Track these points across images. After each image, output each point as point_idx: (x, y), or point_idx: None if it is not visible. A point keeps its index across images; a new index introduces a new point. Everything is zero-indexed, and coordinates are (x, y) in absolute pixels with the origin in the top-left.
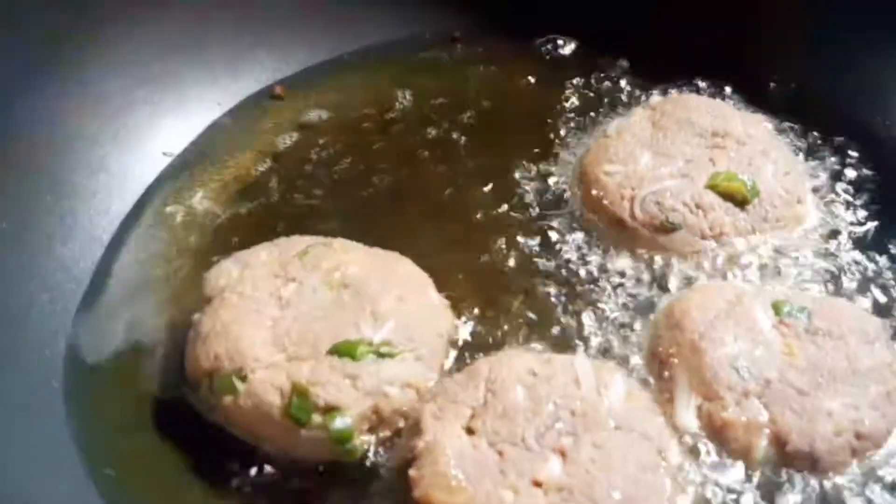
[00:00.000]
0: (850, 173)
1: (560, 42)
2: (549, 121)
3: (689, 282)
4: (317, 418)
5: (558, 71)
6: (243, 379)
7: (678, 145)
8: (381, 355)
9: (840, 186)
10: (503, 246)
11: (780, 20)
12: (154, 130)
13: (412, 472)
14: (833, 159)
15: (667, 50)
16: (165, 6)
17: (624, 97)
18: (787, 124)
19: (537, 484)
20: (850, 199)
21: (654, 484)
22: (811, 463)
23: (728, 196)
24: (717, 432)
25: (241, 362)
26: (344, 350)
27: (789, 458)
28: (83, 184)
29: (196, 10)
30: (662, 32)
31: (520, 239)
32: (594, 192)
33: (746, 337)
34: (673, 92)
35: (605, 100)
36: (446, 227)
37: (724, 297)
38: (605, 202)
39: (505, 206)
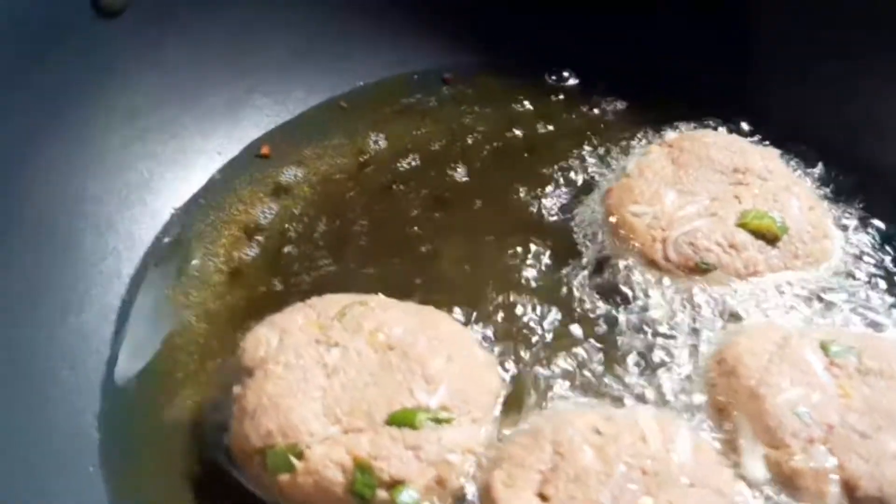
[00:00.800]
0: (862, 203)
1: (555, 80)
2: (552, 160)
3: (731, 319)
4: (382, 493)
5: (555, 109)
6: (299, 455)
7: (701, 183)
8: (439, 421)
9: (856, 215)
10: (529, 292)
11: (773, 57)
12: (157, 184)
13: None
14: (846, 191)
15: (663, 87)
16: (158, 58)
17: (625, 135)
18: (793, 158)
19: None
20: (869, 228)
21: None
22: None
23: (759, 234)
24: (787, 481)
25: (295, 437)
26: (403, 420)
27: (860, 503)
28: (92, 247)
29: (190, 60)
30: (658, 70)
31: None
32: (622, 232)
33: (802, 381)
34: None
35: (607, 137)
36: (475, 272)
37: (772, 340)
38: (636, 243)
39: (519, 249)
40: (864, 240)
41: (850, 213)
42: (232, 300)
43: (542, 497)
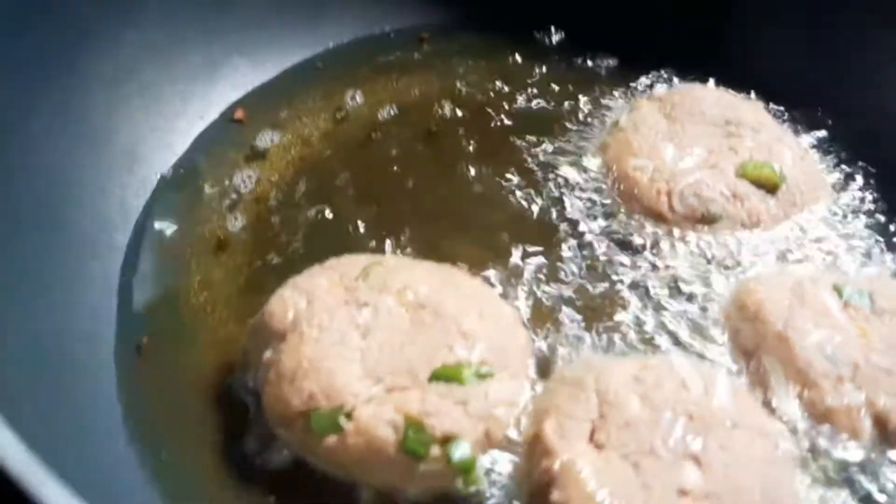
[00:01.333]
0: (846, 150)
1: (541, 35)
2: (543, 117)
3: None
4: (435, 450)
5: (541, 64)
6: (348, 416)
7: (696, 136)
8: (482, 376)
9: (842, 161)
10: (538, 237)
11: (757, 12)
12: (141, 151)
13: (556, 496)
14: (827, 138)
15: (650, 42)
16: (136, 21)
17: (613, 90)
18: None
19: (683, 493)
20: (854, 174)
21: (783, 477)
22: None
23: (759, 183)
24: (821, 419)
25: (340, 399)
26: (448, 375)
27: (891, 434)
28: (86, 219)
29: (167, 23)
30: (646, 25)
31: (559, 230)
32: (623, 186)
33: (824, 323)
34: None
35: (597, 91)
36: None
37: (786, 286)
38: (640, 197)
39: (537, 204)
40: (853, 184)
41: (836, 160)
42: (232, 265)
43: (596, 445)
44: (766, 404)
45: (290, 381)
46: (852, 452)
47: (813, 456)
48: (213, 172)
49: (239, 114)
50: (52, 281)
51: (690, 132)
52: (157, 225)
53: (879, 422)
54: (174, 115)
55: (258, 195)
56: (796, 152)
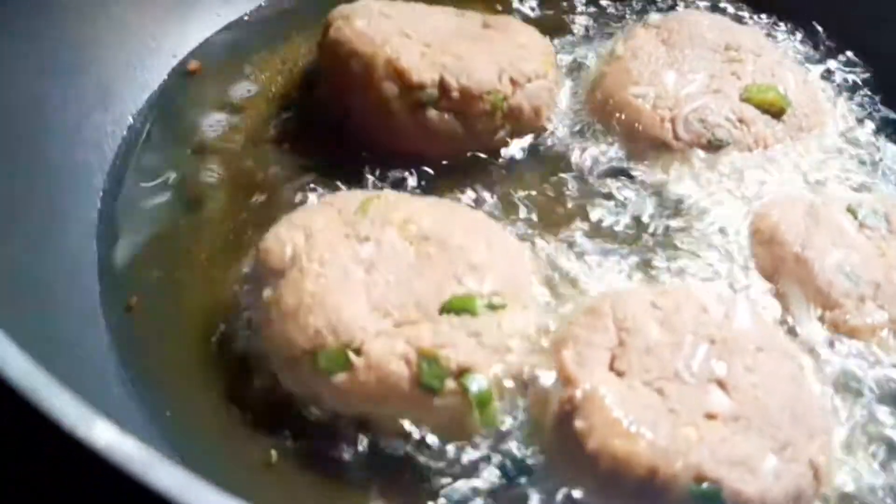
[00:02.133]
0: (845, 68)
1: None
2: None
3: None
4: (451, 384)
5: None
6: (357, 352)
7: (696, 61)
8: (494, 308)
9: (841, 82)
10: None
11: None
12: (115, 87)
13: (579, 425)
14: (826, 59)
15: None
16: None
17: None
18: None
19: (711, 416)
20: (855, 91)
21: (811, 396)
22: None
23: (764, 108)
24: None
25: (348, 335)
26: (460, 306)
27: None
28: (62, 159)
29: None
30: None
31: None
32: (624, 115)
33: (841, 244)
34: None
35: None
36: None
37: (800, 208)
38: (641, 126)
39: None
40: (854, 105)
41: (834, 80)
42: (215, 208)
43: (617, 373)
44: (791, 328)
45: (294, 319)
46: (876, 370)
47: (837, 375)
48: (187, 113)
49: (193, 65)
50: (30, 225)
51: (690, 58)
52: (133, 171)
53: None
54: (147, 52)
55: (233, 135)
56: (798, 76)
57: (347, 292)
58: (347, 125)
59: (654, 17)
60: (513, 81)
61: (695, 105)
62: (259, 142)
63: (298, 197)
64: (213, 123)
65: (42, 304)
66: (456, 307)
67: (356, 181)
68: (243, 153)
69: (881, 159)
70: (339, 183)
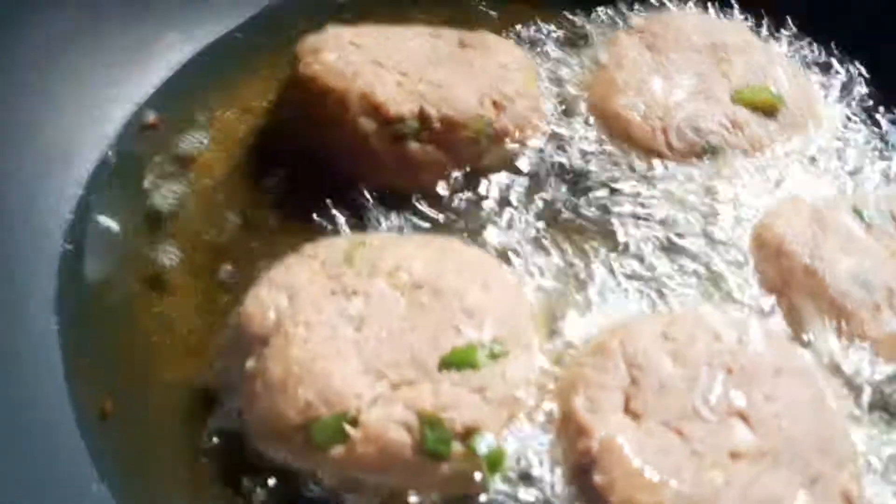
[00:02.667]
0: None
1: None
2: None
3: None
4: (458, 446)
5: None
6: (353, 422)
7: (684, 65)
8: (495, 356)
9: (833, 76)
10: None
11: None
12: (75, 141)
13: (599, 479)
14: (814, 51)
15: None
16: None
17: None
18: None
19: (736, 456)
20: (850, 86)
21: (835, 418)
22: None
23: (757, 108)
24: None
25: (342, 404)
26: (460, 360)
27: None
28: (20, 228)
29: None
30: None
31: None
32: (614, 127)
33: (850, 249)
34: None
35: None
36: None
37: (804, 214)
38: (635, 137)
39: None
40: (850, 97)
41: (823, 75)
42: (178, 277)
43: (633, 415)
44: (803, 343)
45: (282, 391)
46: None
47: (859, 391)
48: (149, 160)
49: (152, 119)
50: None
51: (677, 62)
52: (98, 228)
53: None
54: (106, 102)
55: (200, 179)
56: (789, 70)
57: (337, 355)
58: (320, 163)
59: (636, 19)
60: (496, 104)
61: (686, 113)
62: (224, 192)
63: (273, 249)
64: (172, 180)
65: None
66: (456, 362)
67: (333, 225)
68: (206, 209)
69: (878, 153)
70: (314, 228)
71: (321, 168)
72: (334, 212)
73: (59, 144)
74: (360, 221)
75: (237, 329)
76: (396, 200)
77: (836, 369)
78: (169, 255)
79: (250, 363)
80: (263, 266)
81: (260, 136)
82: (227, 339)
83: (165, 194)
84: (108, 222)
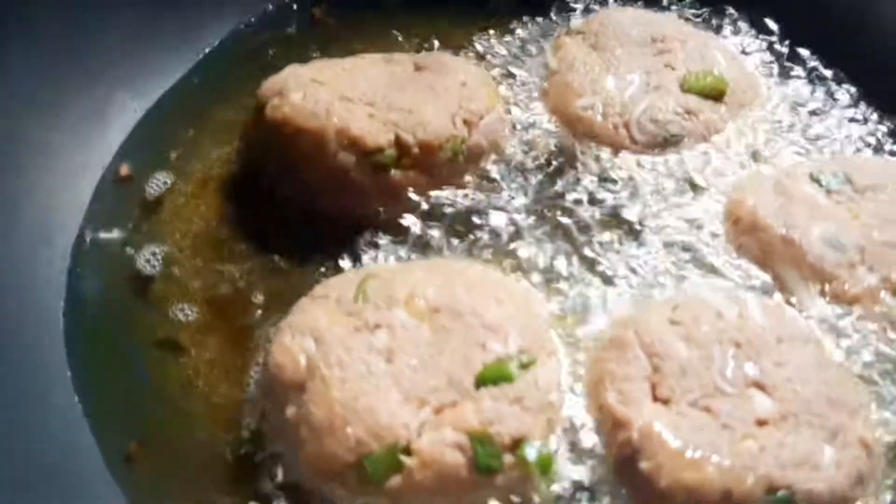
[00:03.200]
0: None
1: None
2: None
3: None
4: (508, 458)
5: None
6: (407, 452)
7: (629, 61)
8: (525, 366)
9: (762, 53)
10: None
11: None
12: (53, 219)
13: (645, 466)
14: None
15: None
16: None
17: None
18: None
19: (762, 423)
20: (782, 61)
21: (838, 374)
22: None
23: (706, 94)
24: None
25: (391, 436)
26: (496, 375)
27: None
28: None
29: (37, 75)
30: None
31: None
32: (578, 127)
33: (817, 215)
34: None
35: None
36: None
37: (767, 187)
38: (599, 135)
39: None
40: (786, 72)
41: (757, 50)
42: (187, 335)
43: (662, 402)
44: (799, 309)
45: (330, 433)
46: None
47: (853, 346)
48: (126, 221)
49: (124, 170)
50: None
51: (623, 58)
52: (92, 311)
53: None
54: (79, 169)
55: (180, 235)
56: (726, 54)
57: (377, 390)
58: (300, 203)
59: (575, 22)
60: (466, 123)
61: (643, 106)
62: (209, 245)
63: (278, 297)
64: (151, 240)
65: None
66: (492, 377)
67: (328, 263)
68: (192, 266)
69: (821, 121)
70: (312, 269)
71: (301, 208)
72: (328, 249)
73: (39, 220)
74: (353, 255)
75: (268, 380)
76: (382, 228)
77: (828, 328)
78: (172, 317)
79: (291, 410)
80: (274, 313)
81: (232, 183)
82: (258, 390)
83: (148, 257)
84: (100, 292)
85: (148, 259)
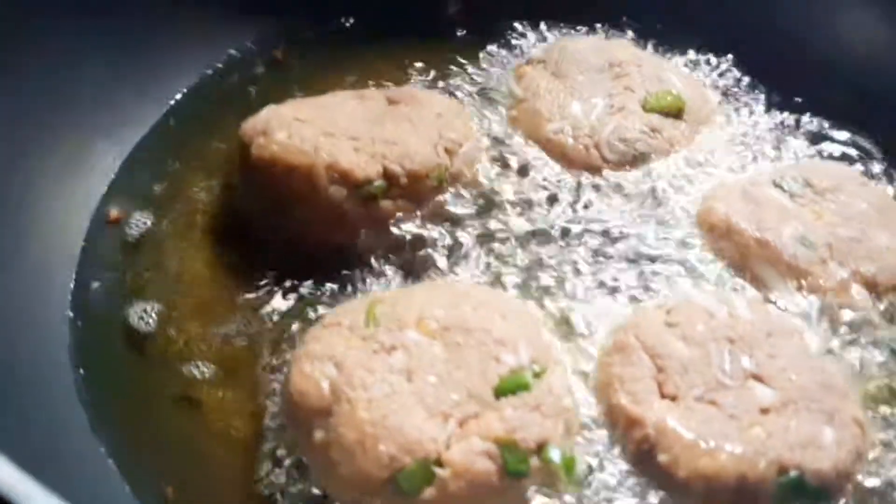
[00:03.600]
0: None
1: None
2: None
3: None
4: (535, 461)
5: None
6: (439, 463)
7: (591, 86)
8: (538, 375)
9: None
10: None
11: None
12: (49, 271)
13: (664, 459)
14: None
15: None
16: None
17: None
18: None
19: (765, 411)
20: (727, 75)
21: (823, 361)
22: None
23: (666, 112)
24: (826, 305)
25: (422, 450)
26: (514, 385)
27: (882, 292)
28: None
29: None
30: None
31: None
32: (552, 151)
33: (785, 217)
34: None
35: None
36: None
37: (734, 194)
38: (572, 158)
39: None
40: (734, 87)
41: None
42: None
43: (670, 398)
44: (776, 305)
45: (362, 453)
46: (861, 318)
47: (832, 333)
48: (121, 273)
49: (114, 214)
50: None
51: (584, 83)
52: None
53: (869, 286)
54: (64, 225)
55: (177, 285)
56: (679, 74)
57: (402, 408)
58: (293, 238)
59: (534, 51)
60: (448, 151)
61: (610, 127)
62: (208, 293)
63: (287, 331)
64: (146, 296)
65: None
66: (510, 388)
67: (327, 291)
68: (195, 309)
69: (770, 131)
70: (308, 300)
71: (290, 242)
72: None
73: (37, 271)
74: (351, 283)
75: (290, 409)
76: (374, 255)
77: (810, 321)
78: (178, 371)
79: (319, 435)
80: (278, 349)
81: (218, 222)
82: (279, 417)
83: (141, 314)
84: (102, 345)
85: (141, 316)
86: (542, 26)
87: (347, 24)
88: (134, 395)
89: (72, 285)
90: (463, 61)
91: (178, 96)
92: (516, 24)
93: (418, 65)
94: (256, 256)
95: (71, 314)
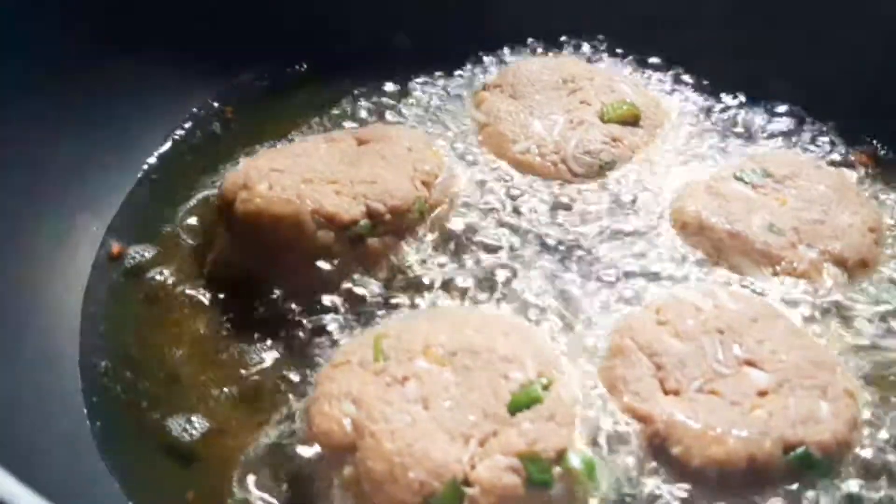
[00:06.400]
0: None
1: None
2: None
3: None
4: (557, 470)
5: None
6: (467, 483)
7: (548, 104)
8: (547, 387)
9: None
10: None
11: None
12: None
13: (677, 450)
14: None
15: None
16: None
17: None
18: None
19: (762, 394)
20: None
21: (808, 339)
22: (864, 264)
23: (624, 121)
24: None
25: (449, 473)
26: (526, 400)
27: (852, 269)
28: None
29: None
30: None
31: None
32: (521, 169)
33: (751, 208)
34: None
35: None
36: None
37: (700, 190)
38: (541, 174)
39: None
40: (678, 92)
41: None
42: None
43: (673, 394)
44: (755, 291)
45: (393, 482)
46: (835, 296)
47: (813, 311)
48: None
49: (115, 249)
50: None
51: (542, 102)
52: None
53: (839, 263)
54: (70, 257)
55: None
56: (629, 83)
57: (425, 435)
58: (285, 286)
59: (489, 77)
60: (425, 184)
61: (574, 142)
62: (208, 350)
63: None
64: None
65: None
66: (524, 402)
67: (325, 334)
68: (199, 362)
69: (725, 126)
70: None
71: (287, 290)
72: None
73: (38, 350)
74: (346, 323)
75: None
76: (367, 291)
77: (789, 302)
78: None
79: (348, 471)
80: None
81: (209, 280)
82: (304, 462)
83: (146, 384)
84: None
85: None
86: (500, 52)
87: (301, 69)
88: (145, 444)
89: (77, 363)
90: (421, 94)
91: (151, 160)
92: (467, 52)
93: (376, 100)
94: (249, 313)
95: (80, 384)
